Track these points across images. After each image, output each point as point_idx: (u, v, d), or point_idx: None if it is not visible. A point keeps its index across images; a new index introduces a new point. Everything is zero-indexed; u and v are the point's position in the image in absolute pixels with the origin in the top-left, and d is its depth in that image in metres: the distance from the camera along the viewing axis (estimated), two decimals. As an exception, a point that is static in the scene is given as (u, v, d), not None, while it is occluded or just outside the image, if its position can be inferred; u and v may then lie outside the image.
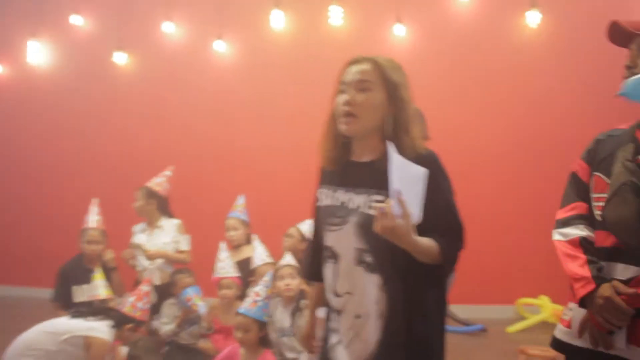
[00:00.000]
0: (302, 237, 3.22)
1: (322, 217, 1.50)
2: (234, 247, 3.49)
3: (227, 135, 4.82)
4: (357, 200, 1.39)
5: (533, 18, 4.16)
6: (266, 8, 4.67)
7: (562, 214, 1.49)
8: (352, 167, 1.45)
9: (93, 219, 3.47)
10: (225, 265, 3.23)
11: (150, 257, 3.46)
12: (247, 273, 3.31)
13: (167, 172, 3.78)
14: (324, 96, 4.58)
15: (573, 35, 4.19)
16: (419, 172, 1.23)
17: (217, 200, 4.67)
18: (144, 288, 3.08)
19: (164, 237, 3.60)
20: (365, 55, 1.42)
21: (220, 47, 4.82)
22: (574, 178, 1.49)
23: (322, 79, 4.45)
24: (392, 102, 1.38)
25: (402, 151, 1.25)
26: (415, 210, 1.22)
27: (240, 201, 3.61)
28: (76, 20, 5.31)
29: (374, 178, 1.34)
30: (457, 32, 4.37)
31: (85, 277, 3.34)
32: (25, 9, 5.53)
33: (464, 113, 4.27)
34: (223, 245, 3.29)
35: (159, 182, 3.75)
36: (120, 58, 5.13)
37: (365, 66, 1.40)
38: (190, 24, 5.03)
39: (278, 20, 4.63)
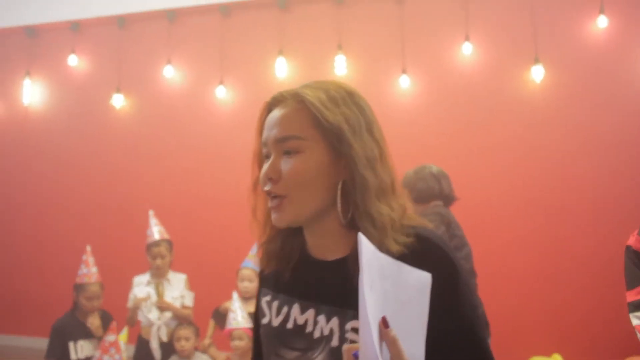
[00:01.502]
0: None
1: (269, 344, 0.98)
2: (247, 298, 3.39)
3: (227, 180, 4.72)
4: (324, 325, 0.89)
5: (537, 73, 4.18)
6: (270, 55, 4.64)
7: (633, 297, 1.36)
8: (312, 269, 0.94)
9: (91, 271, 3.35)
10: (237, 316, 3.13)
11: (162, 307, 3.34)
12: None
13: (155, 219, 3.66)
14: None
15: (576, 89, 4.21)
16: (419, 281, 0.76)
17: (218, 249, 4.58)
18: (109, 339, 2.94)
19: (173, 291, 3.49)
20: (287, 90, 0.93)
21: (222, 92, 4.76)
22: (634, 254, 1.36)
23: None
24: (341, 160, 0.87)
25: (376, 233, 0.84)
26: (416, 350, 0.75)
27: (254, 251, 3.50)
28: (73, 60, 5.22)
29: (348, 288, 0.83)
30: (462, 84, 4.38)
31: (81, 333, 3.23)
32: (21, 47, 5.44)
33: (469, 166, 4.25)
34: (235, 296, 3.19)
35: (165, 231, 3.64)
36: (117, 100, 5.04)
37: (286, 110, 0.90)
38: (192, 68, 4.97)
39: (281, 68, 4.60)
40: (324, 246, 0.93)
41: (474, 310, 0.87)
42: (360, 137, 0.88)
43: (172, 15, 4.96)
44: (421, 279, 0.77)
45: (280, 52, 4.60)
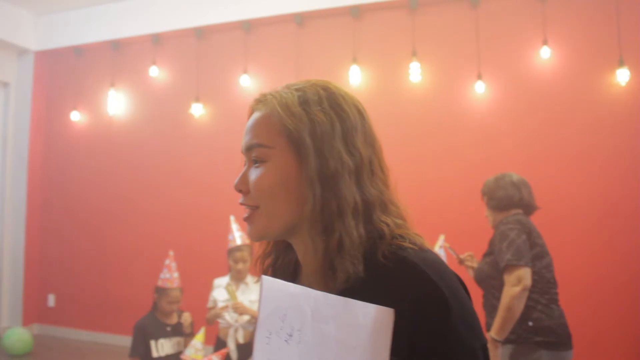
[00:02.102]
0: None
1: None
2: None
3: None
4: None
5: (622, 75, 4.03)
6: (344, 63, 4.69)
7: None
8: (309, 285, 0.85)
9: (173, 276, 3.50)
10: None
11: (238, 310, 3.45)
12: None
13: (236, 224, 3.78)
14: (408, 155, 4.57)
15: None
16: (375, 318, 0.61)
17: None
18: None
19: (251, 294, 3.59)
20: (266, 91, 0.87)
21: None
22: None
23: (402, 137, 4.46)
24: (309, 172, 0.77)
25: (341, 256, 0.74)
26: None
27: None
28: (154, 71, 5.46)
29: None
30: (540, 89, 4.27)
31: (161, 332, 3.39)
32: (106, 60, 5.74)
33: (548, 173, 4.15)
34: None
35: (246, 236, 3.75)
36: (196, 109, 5.23)
37: (257, 114, 0.84)
38: (267, 77, 5.09)
39: (355, 76, 4.64)
40: (311, 266, 0.84)
41: (465, 348, 0.70)
42: (329, 146, 0.77)
43: (247, 26, 5.10)
44: (379, 316, 0.61)
45: (354, 60, 4.64)
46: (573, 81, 4.20)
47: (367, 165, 0.80)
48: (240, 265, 3.58)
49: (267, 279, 0.62)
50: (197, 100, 5.23)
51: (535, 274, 2.44)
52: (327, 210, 0.76)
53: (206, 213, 5.18)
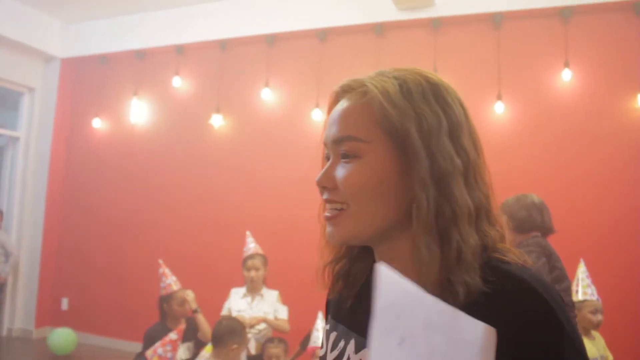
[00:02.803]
0: None
1: None
2: None
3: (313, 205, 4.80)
4: None
5: (642, 100, 4.03)
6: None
7: None
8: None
9: (172, 280, 3.54)
10: (321, 335, 3.18)
11: (252, 324, 3.46)
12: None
13: (251, 238, 3.83)
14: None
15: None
16: (479, 337, 0.55)
17: (311, 268, 4.68)
18: (172, 336, 3.04)
19: (265, 306, 3.61)
20: (356, 78, 0.78)
21: (317, 115, 4.90)
22: None
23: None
24: (420, 172, 0.69)
25: (429, 286, 0.65)
26: None
27: None
28: (177, 82, 5.55)
29: None
30: (560, 112, 4.28)
31: None
32: (130, 69, 5.85)
33: (567, 196, 4.14)
34: (320, 315, 3.24)
35: (260, 248, 3.79)
36: (216, 120, 5.30)
37: (348, 103, 0.76)
38: (289, 91, 5.15)
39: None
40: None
41: None
42: (437, 143, 0.70)
43: (271, 40, 5.18)
44: (486, 334, 0.55)
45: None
46: (593, 105, 4.21)
47: (473, 167, 0.73)
48: (252, 273, 3.60)
49: (383, 269, 0.56)
50: (217, 111, 5.30)
51: None
52: (441, 215, 0.68)
53: (222, 224, 5.22)
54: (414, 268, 0.69)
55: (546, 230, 2.69)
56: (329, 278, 0.85)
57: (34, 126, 6.10)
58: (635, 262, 3.98)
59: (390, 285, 0.56)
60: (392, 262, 0.72)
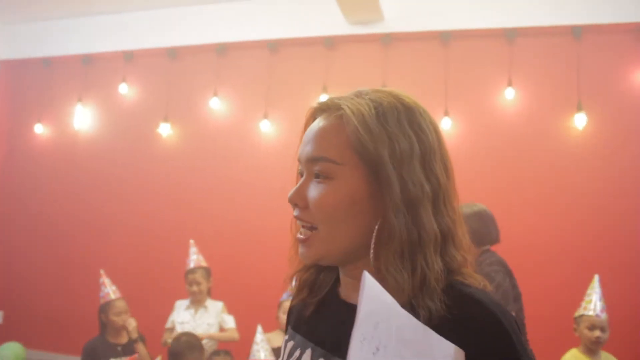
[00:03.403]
0: None
1: None
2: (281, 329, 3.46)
3: (268, 212, 4.71)
4: None
5: (580, 120, 4.19)
6: (314, 91, 4.71)
7: None
8: (335, 309, 0.81)
9: (111, 289, 3.48)
10: (260, 350, 3.17)
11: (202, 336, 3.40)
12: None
13: (195, 248, 3.79)
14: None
15: (619, 138, 4.22)
16: (447, 355, 0.60)
17: (259, 279, 4.64)
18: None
19: (209, 318, 3.60)
20: (334, 98, 0.79)
21: (266, 126, 4.88)
22: None
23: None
24: (392, 197, 0.70)
25: (407, 300, 0.67)
26: None
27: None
28: (124, 89, 5.42)
29: None
30: (503, 129, 4.41)
31: (111, 352, 3.32)
32: (75, 74, 5.67)
33: (509, 212, 4.26)
34: (260, 329, 3.19)
35: (203, 260, 3.76)
36: (164, 129, 5.20)
37: (324, 123, 0.76)
38: (238, 101, 5.11)
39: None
40: (353, 287, 0.77)
41: None
42: (408, 169, 0.71)
43: (221, 49, 5.12)
44: (455, 355, 0.59)
45: (325, 90, 4.70)
46: (534, 123, 4.36)
47: (443, 192, 0.75)
48: (194, 288, 3.59)
49: (369, 277, 0.57)
50: (165, 120, 5.20)
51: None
52: (409, 240, 0.69)
53: (167, 234, 5.11)
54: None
55: (496, 242, 2.66)
56: (296, 285, 0.87)
57: (-30, 131, 5.83)
58: (574, 273, 4.12)
59: (374, 293, 0.57)
60: (354, 278, 0.76)
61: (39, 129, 5.73)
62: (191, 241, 3.84)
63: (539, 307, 4.08)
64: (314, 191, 0.74)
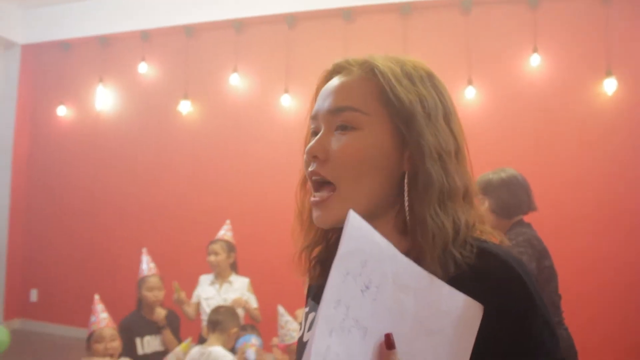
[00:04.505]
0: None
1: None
2: None
3: (290, 187, 4.74)
4: None
5: (609, 85, 4.07)
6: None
7: None
8: None
9: (149, 266, 3.53)
10: (289, 331, 3.17)
11: (236, 303, 3.42)
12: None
13: (228, 226, 3.79)
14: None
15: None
16: (462, 310, 0.58)
17: (281, 254, 4.67)
18: None
19: (234, 293, 3.59)
20: (354, 57, 0.79)
21: (286, 101, 4.84)
22: None
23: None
24: (406, 149, 0.71)
25: (427, 245, 0.66)
26: None
27: None
28: (143, 68, 5.41)
29: None
30: (529, 96, 4.30)
31: (147, 329, 3.37)
32: (95, 56, 5.68)
33: (536, 180, 4.18)
34: (282, 310, 3.14)
35: (231, 236, 3.75)
36: (184, 107, 5.20)
37: (347, 78, 0.75)
38: (257, 77, 5.07)
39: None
40: None
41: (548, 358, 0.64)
42: (435, 124, 0.72)
43: (238, 25, 5.07)
44: (467, 309, 0.56)
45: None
46: (561, 89, 4.24)
47: (462, 150, 0.77)
48: (212, 258, 3.59)
49: (354, 215, 0.55)
50: (185, 97, 5.20)
51: (544, 298, 2.30)
52: (420, 193, 0.69)
53: (191, 209, 5.16)
54: (400, 243, 0.70)
55: (531, 210, 2.47)
56: (306, 263, 0.83)
57: (-5, 115, 5.91)
58: (613, 244, 4.05)
59: (359, 232, 0.55)
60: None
61: (62, 111, 5.79)
62: (227, 221, 3.84)
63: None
64: (337, 142, 0.72)
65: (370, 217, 0.69)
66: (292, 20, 4.90)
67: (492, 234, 0.74)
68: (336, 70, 0.80)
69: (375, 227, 0.67)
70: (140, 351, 3.30)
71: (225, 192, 5.06)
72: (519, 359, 0.63)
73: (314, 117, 0.78)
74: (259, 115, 5.03)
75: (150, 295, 3.40)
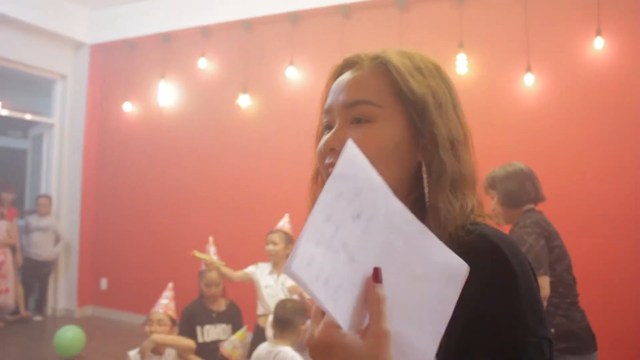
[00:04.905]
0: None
1: None
2: None
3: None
4: None
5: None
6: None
7: None
8: None
9: (213, 258, 3.61)
10: None
11: (292, 290, 3.47)
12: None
13: (287, 219, 3.85)
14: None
15: None
16: (449, 265, 0.59)
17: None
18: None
19: (290, 282, 3.65)
20: (365, 52, 0.82)
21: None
22: None
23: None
24: (420, 140, 0.75)
25: (438, 229, 0.69)
26: (423, 344, 0.57)
27: None
28: (203, 63, 5.58)
29: None
30: (592, 82, 4.12)
31: (207, 318, 3.49)
32: (157, 53, 5.90)
33: (593, 168, 4.03)
34: None
35: (290, 229, 3.81)
36: (244, 100, 5.32)
37: (360, 72, 0.78)
38: (313, 69, 5.12)
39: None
40: None
41: (530, 335, 0.65)
42: (446, 115, 0.76)
43: (293, 18, 5.13)
44: (452, 265, 0.58)
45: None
46: (626, 74, 4.05)
47: (469, 140, 0.80)
48: (270, 247, 3.61)
49: (353, 145, 0.54)
50: (244, 91, 5.32)
51: (555, 277, 2.35)
52: (434, 180, 0.73)
53: (252, 201, 5.28)
54: None
55: (539, 200, 2.55)
56: None
57: (67, 112, 6.24)
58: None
59: (357, 162, 0.54)
60: None
61: (127, 107, 6.04)
62: (286, 214, 3.89)
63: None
64: (354, 134, 0.73)
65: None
66: (346, 11, 4.92)
67: (489, 217, 0.78)
68: (347, 65, 0.83)
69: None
70: (200, 339, 3.41)
71: (281, 182, 5.14)
72: (494, 328, 0.65)
73: (328, 111, 0.81)
74: (315, 107, 5.03)
75: (207, 291, 3.51)
